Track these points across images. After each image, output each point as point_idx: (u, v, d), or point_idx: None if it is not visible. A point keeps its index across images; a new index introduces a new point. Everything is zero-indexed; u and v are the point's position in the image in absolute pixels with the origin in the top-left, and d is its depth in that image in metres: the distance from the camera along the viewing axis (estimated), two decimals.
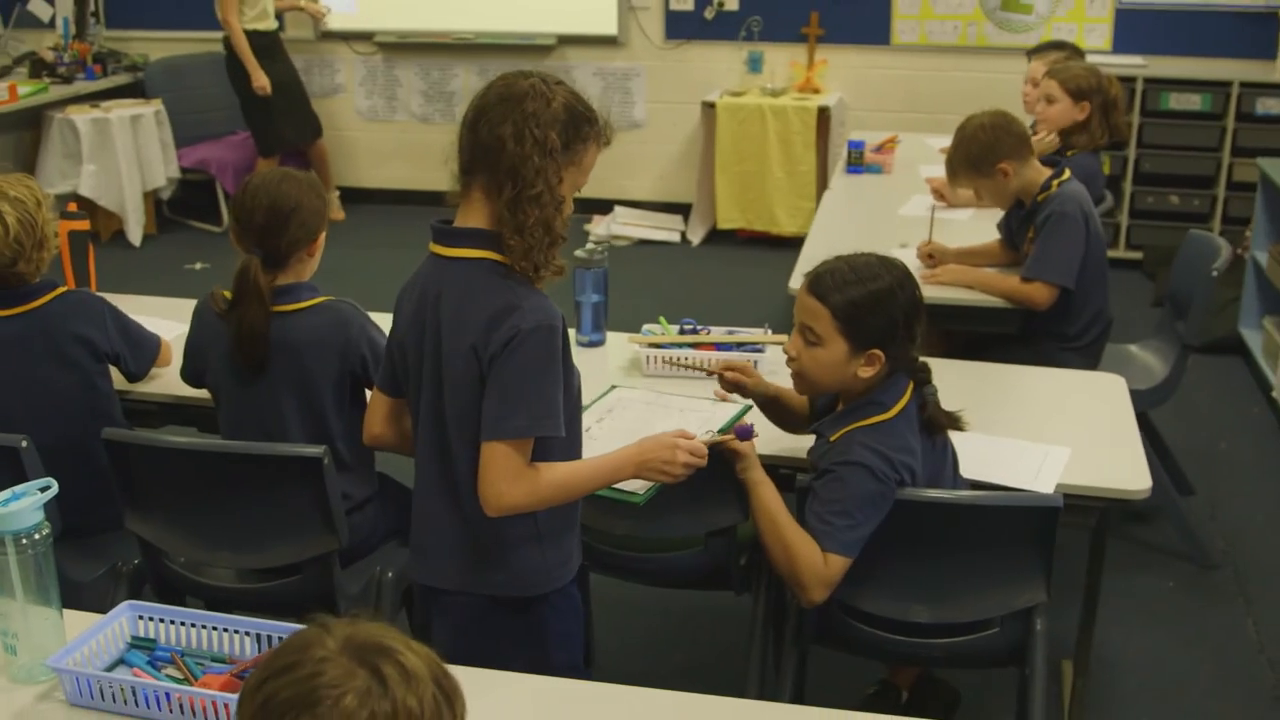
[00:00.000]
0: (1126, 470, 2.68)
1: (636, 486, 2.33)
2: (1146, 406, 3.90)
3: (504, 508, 2.11)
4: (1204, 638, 3.49)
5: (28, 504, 1.95)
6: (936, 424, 2.45)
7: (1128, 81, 6.40)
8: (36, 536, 1.95)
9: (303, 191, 2.81)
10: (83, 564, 2.91)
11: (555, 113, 2.08)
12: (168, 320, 3.37)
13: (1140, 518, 4.04)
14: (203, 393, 2.97)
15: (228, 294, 2.79)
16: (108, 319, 3.02)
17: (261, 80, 6.96)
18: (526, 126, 2.06)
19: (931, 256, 3.86)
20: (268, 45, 7.01)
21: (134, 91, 7.49)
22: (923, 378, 2.46)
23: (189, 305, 3.03)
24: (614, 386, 2.76)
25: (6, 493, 1.96)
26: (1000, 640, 2.52)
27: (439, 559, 2.28)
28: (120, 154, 6.94)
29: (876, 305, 2.37)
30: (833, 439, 2.41)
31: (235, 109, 7.59)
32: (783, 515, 2.40)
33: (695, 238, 7.28)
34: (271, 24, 7.05)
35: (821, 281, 2.40)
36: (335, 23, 7.75)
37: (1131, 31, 6.83)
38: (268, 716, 1.20)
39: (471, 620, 2.29)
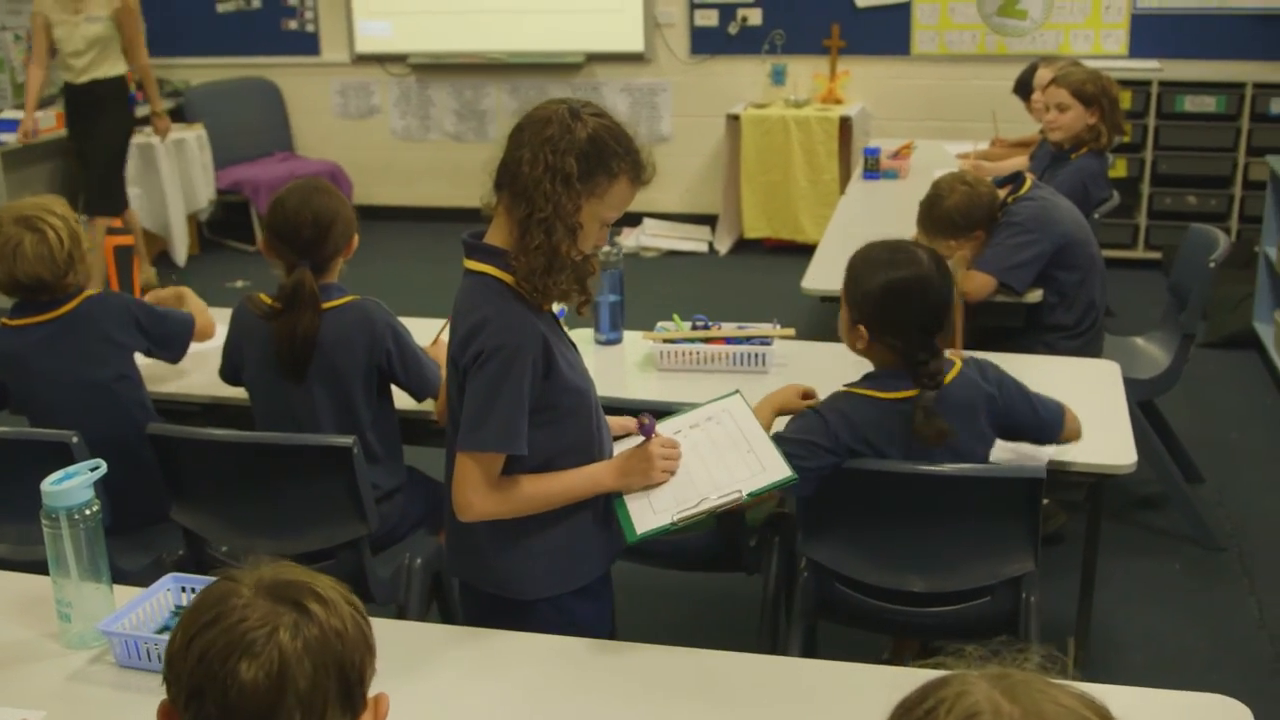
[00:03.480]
0: (1114, 448, 2.81)
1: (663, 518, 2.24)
2: (1151, 394, 4.03)
3: (473, 515, 2.21)
4: (1207, 616, 3.59)
5: (78, 483, 2.12)
6: (919, 434, 2.48)
7: (1143, 85, 6.53)
8: (87, 513, 2.12)
9: (337, 202, 2.98)
10: (130, 555, 3.05)
11: (576, 140, 2.09)
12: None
13: (1149, 504, 4.16)
14: (240, 393, 3.13)
15: (264, 297, 2.96)
16: (134, 314, 3.17)
17: (22, 127, 6.60)
18: (542, 151, 2.08)
19: None
20: (69, 97, 6.46)
21: (175, 116, 7.67)
22: (926, 384, 2.49)
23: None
24: (736, 391, 2.57)
25: (59, 473, 2.12)
26: (993, 608, 2.62)
27: (451, 550, 2.43)
28: (165, 177, 7.16)
29: (877, 286, 2.50)
30: None
31: (269, 132, 7.81)
32: None
33: (723, 247, 7.44)
34: (71, 78, 6.35)
35: (859, 250, 2.59)
36: (370, 46, 7.96)
37: (1147, 36, 6.94)
38: (208, 668, 1.25)
39: (474, 613, 2.40)
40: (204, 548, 2.96)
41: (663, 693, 2.00)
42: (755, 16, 7.41)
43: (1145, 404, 4.05)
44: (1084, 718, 1.07)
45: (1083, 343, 3.79)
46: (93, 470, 2.16)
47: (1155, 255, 6.71)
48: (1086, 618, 3.19)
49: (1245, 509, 4.17)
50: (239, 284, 6.81)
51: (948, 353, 2.58)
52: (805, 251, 6.94)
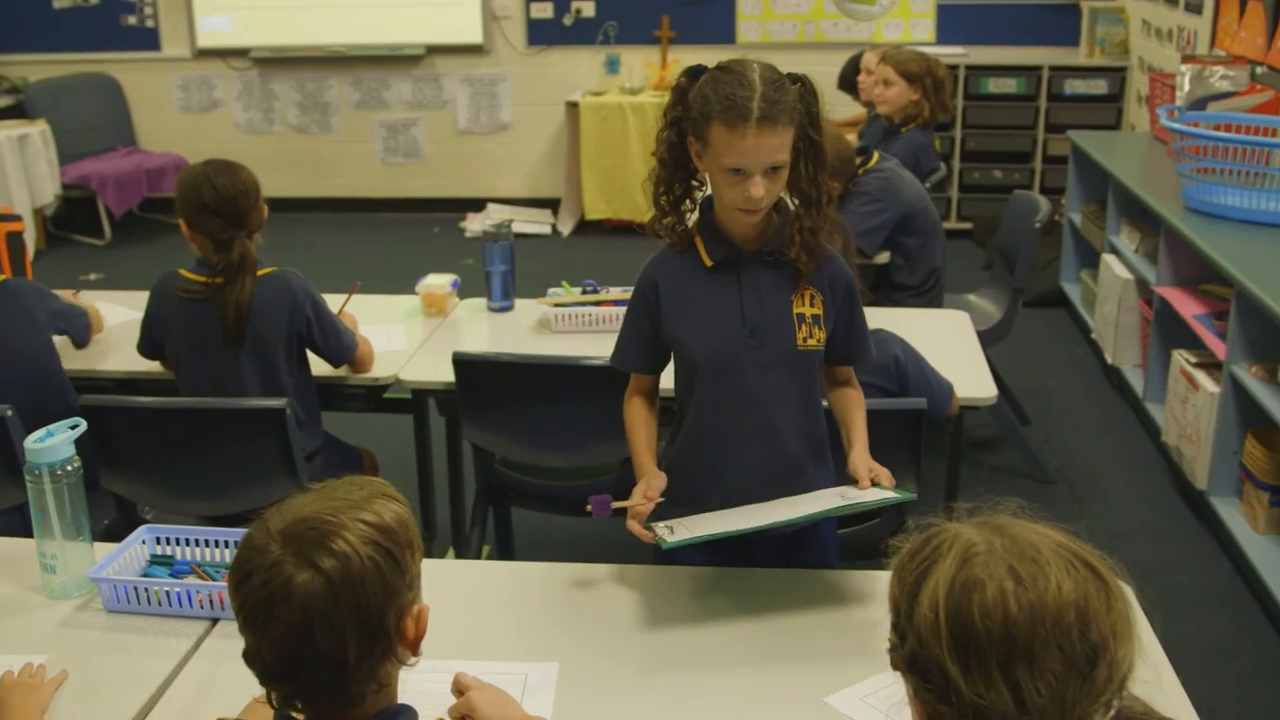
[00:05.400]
0: (976, 383, 3.18)
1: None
2: (986, 345, 4.42)
3: None
4: None
5: (60, 439, 2.24)
6: None
7: (951, 69, 7.02)
8: (69, 468, 2.24)
9: (250, 174, 3.13)
10: None
11: (681, 94, 2.22)
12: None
13: (986, 446, 4.60)
14: (154, 366, 3.25)
15: (189, 274, 3.08)
16: (43, 299, 3.30)
17: None
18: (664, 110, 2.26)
19: None
20: None
21: (15, 113, 7.61)
22: None
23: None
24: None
25: (41, 431, 2.24)
26: (882, 531, 2.90)
27: None
28: (10, 173, 7.05)
29: None
30: None
31: (111, 126, 7.74)
32: None
33: (565, 229, 7.71)
34: None
35: None
36: (212, 41, 7.96)
37: (952, 24, 7.52)
38: (248, 618, 1.43)
39: None
40: (135, 513, 3.06)
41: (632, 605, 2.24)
42: (589, 9, 7.72)
43: None
44: (1060, 541, 1.28)
45: (926, 300, 4.20)
46: (72, 429, 2.30)
47: (966, 225, 7.26)
48: None
49: (1068, 446, 4.65)
50: (92, 276, 6.80)
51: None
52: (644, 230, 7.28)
